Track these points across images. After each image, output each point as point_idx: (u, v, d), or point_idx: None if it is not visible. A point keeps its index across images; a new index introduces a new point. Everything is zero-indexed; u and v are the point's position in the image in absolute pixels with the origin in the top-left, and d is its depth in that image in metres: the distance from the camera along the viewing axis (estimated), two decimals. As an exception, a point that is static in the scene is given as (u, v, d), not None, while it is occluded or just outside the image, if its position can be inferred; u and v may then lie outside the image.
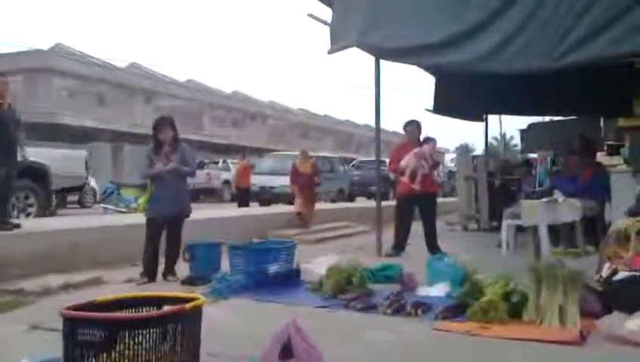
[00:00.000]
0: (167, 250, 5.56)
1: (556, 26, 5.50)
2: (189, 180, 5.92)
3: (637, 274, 3.79)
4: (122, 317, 2.49)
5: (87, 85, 27.89)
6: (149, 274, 5.38)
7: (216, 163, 23.17)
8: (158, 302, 2.68)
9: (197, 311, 2.45)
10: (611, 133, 14.52)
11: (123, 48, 75.32)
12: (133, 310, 2.62)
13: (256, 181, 16.41)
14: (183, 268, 5.55)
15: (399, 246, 7.12)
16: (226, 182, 19.47)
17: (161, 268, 5.54)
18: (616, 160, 12.85)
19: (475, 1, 6.02)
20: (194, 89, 35.20)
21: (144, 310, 2.62)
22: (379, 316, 3.92)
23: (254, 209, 13.73)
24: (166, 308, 2.53)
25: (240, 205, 14.81)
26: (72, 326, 2.30)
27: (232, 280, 4.81)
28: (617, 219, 5.43)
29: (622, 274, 3.83)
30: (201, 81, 37.00)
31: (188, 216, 5.70)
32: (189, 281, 5.22)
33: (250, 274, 4.89)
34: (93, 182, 16.79)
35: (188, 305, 2.38)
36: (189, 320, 2.39)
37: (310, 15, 7.18)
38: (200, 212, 11.78)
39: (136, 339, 2.27)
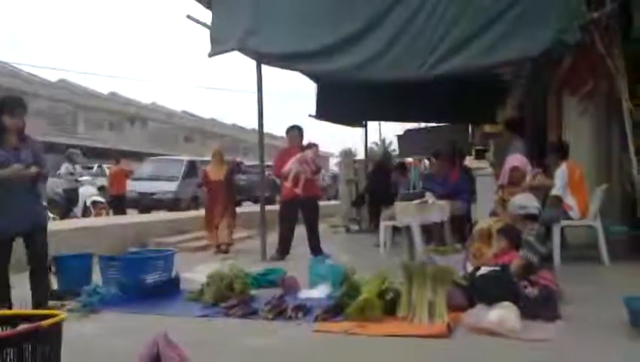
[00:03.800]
0: (30, 278, 4.20)
1: (427, 38, 5.87)
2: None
3: (497, 269, 4.11)
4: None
5: (-62, 83, 25.07)
6: (1, 301, 4.17)
7: (90, 168, 21.78)
8: (13, 320, 2.45)
9: (55, 329, 2.26)
10: (479, 138, 15.79)
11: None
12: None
13: (135, 187, 15.69)
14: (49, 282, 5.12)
15: (283, 250, 7.15)
16: (102, 188, 18.40)
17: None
18: (483, 163, 13.97)
19: (353, 12, 6.24)
20: (67, 90, 32.96)
21: (-3, 330, 2.37)
22: (259, 321, 3.90)
23: (132, 216, 13.11)
24: (21, 327, 2.31)
25: (115, 213, 14.04)
26: None
27: (105, 293, 4.55)
28: (481, 219, 5.88)
29: (484, 270, 4.14)
30: (74, 81, 34.73)
31: (44, 227, 4.41)
32: (56, 296, 4.83)
33: (124, 285, 4.65)
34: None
35: (44, 323, 2.19)
36: (47, 338, 2.20)
37: (189, 17, 7.01)
38: (71, 221, 11.06)
39: (-14, 362, 2.05)
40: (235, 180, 9.15)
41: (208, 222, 8.33)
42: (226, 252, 7.91)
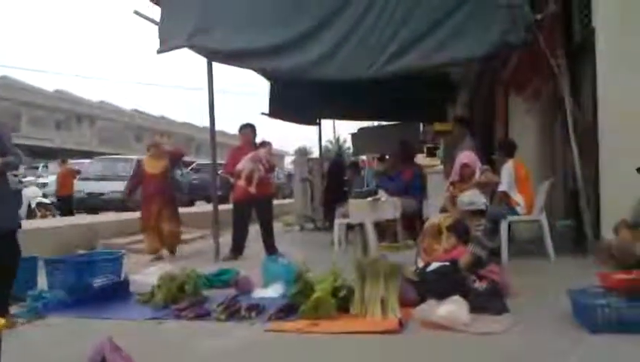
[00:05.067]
0: None
1: (376, 38, 5.94)
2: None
3: (447, 264, 4.19)
4: None
5: None
6: None
7: (36, 168, 21.02)
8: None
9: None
10: (429, 136, 16.09)
11: None
12: None
13: (83, 187, 15.25)
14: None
15: (237, 249, 7.09)
16: (44, 185, 17.83)
17: None
18: (434, 161, 14.26)
19: (304, 11, 6.24)
20: (9, 87, 31.65)
21: None
22: (212, 323, 3.83)
23: (80, 217, 12.72)
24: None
25: (62, 214, 13.62)
26: None
27: (50, 297, 4.39)
28: (432, 215, 5.99)
29: (434, 265, 4.21)
30: (18, 78, 33.36)
31: (17, 227, 3.93)
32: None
33: (71, 289, 4.50)
34: None
35: (-18, 331, 2.09)
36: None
37: (136, 12, 6.84)
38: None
39: None
40: (176, 174, 8.33)
41: (144, 223, 7.45)
42: (172, 253, 7.49)
